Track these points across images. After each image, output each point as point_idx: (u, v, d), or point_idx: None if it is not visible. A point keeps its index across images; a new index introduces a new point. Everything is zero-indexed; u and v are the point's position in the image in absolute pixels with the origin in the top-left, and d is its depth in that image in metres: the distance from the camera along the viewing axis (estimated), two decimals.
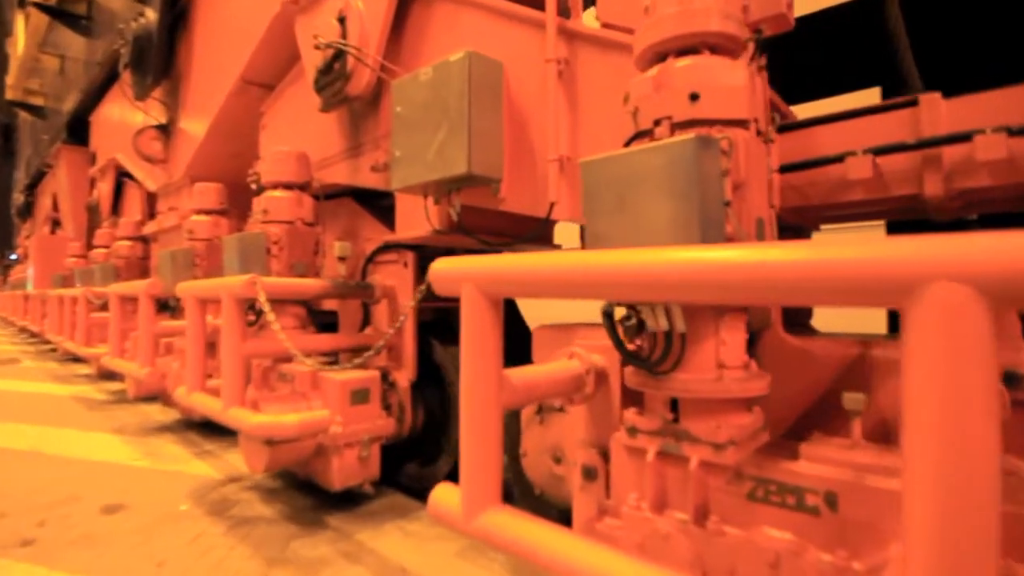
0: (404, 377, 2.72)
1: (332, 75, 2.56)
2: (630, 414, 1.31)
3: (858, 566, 0.99)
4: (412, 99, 2.04)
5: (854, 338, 1.49)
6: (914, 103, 1.31)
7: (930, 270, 0.65)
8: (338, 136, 2.93)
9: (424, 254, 2.73)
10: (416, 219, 2.44)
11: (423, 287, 1.45)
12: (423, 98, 1.99)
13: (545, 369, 1.39)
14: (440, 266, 1.22)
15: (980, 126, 1.18)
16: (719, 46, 1.24)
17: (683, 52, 1.25)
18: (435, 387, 2.83)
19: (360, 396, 2.40)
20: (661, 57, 1.30)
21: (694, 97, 1.17)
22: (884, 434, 1.44)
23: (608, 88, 1.83)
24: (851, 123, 1.39)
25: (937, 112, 1.27)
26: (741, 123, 1.17)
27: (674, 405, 1.26)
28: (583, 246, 1.38)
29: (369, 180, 2.74)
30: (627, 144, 1.32)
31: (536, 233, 2.20)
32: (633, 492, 1.29)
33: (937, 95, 1.29)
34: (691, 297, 0.89)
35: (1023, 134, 1.12)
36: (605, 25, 1.88)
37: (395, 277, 2.80)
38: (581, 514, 1.50)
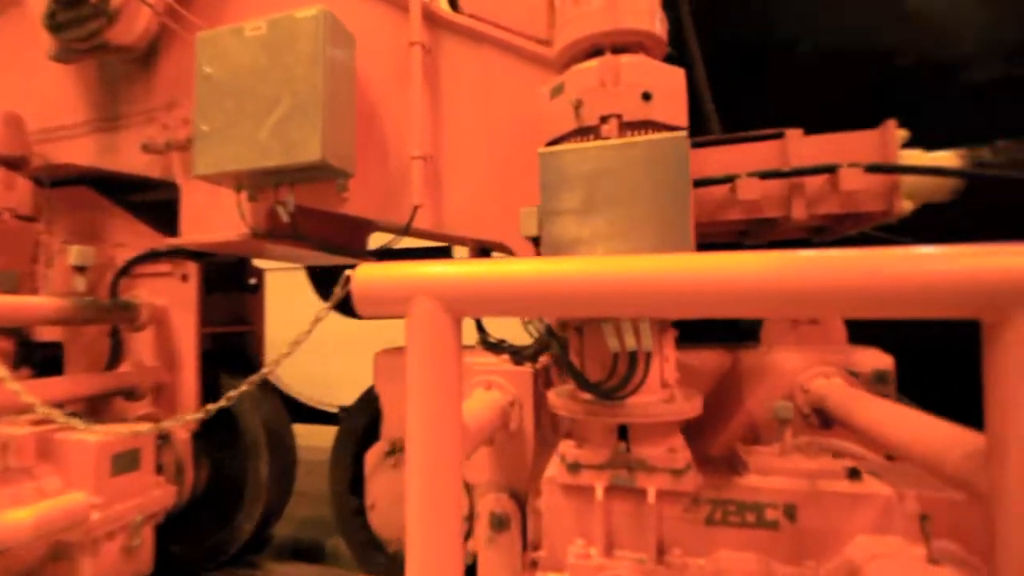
0: (184, 427, 2.00)
1: (82, 9, 1.76)
2: (568, 448, 1.11)
3: (822, 573, 0.96)
4: (232, 60, 1.51)
5: (725, 347, 1.57)
6: (781, 136, 1.46)
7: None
8: (81, 100, 2.06)
9: (211, 266, 2.08)
10: (214, 219, 1.83)
11: (331, 303, 1.01)
12: (251, 60, 1.49)
13: (481, 405, 1.09)
14: (375, 274, 0.84)
15: (832, 161, 1.37)
16: (652, 50, 1.17)
17: (619, 49, 1.14)
18: (224, 431, 2.16)
19: (125, 462, 1.66)
20: (594, 52, 1.16)
21: (647, 96, 1.06)
22: (755, 437, 1.54)
23: (475, 84, 1.64)
24: (731, 148, 1.49)
25: (799, 146, 1.45)
26: (684, 131, 1.10)
27: (621, 433, 1.10)
28: (539, 250, 1.16)
29: (136, 164, 1.98)
30: (560, 141, 1.14)
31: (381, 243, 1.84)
32: (578, 538, 1.08)
33: (799, 131, 1.47)
34: (724, 311, 0.74)
35: (875, 171, 1.33)
36: (470, 16, 1.69)
37: (169, 294, 2.06)
38: (494, 573, 1.22)
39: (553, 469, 1.13)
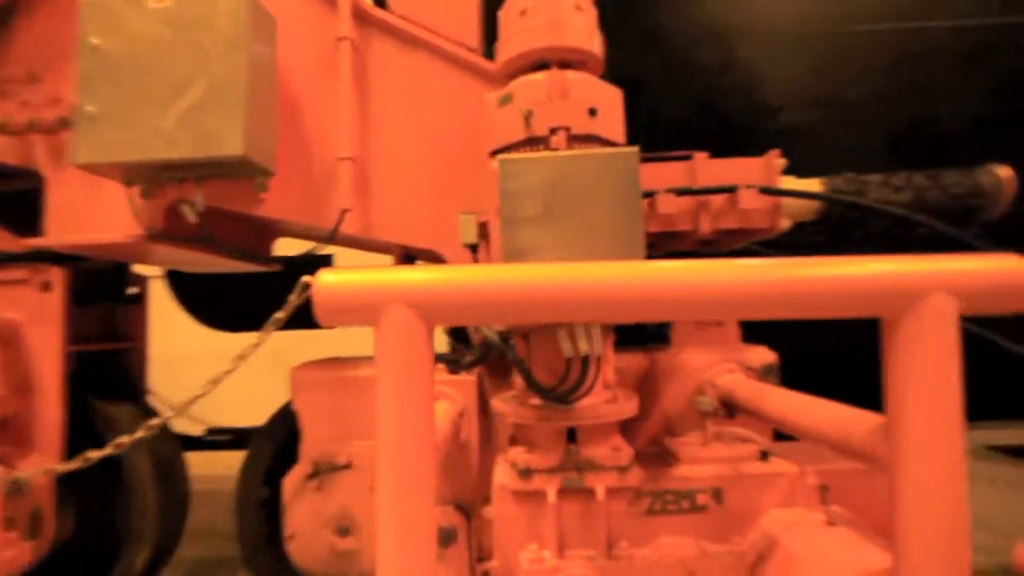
0: (44, 466, 1.69)
1: None
2: (519, 454, 1.13)
3: (745, 546, 1.08)
4: (128, 33, 1.33)
5: (643, 349, 1.69)
6: (689, 158, 1.62)
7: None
8: None
9: (80, 272, 1.78)
10: (92, 216, 1.58)
11: (286, 311, 0.88)
12: (154, 35, 1.32)
13: (438, 417, 1.06)
14: (343, 281, 0.78)
15: (730, 182, 1.55)
16: (593, 69, 1.24)
17: (564, 65, 1.19)
18: (100, 464, 1.84)
19: None
20: (540, 65, 1.21)
21: (593, 112, 1.12)
22: (668, 430, 1.67)
23: (406, 87, 1.61)
24: (646, 167, 1.61)
25: (704, 167, 1.61)
26: (635, 147, 1.18)
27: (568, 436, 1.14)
28: (475, 257, 1.16)
29: None
30: (509, 148, 1.17)
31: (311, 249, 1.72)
32: (531, 543, 1.09)
33: (704, 154, 1.63)
34: (699, 314, 0.81)
35: (766, 192, 1.52)
36: (400, 17, 1.65)
37: (24, 307, 1.73)
38: None
39: (504, 476, 1.14)
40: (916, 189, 1.49)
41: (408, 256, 1.79)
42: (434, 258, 1.65)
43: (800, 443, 1.32)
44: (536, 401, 1.15)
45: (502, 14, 1.29)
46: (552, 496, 1.10)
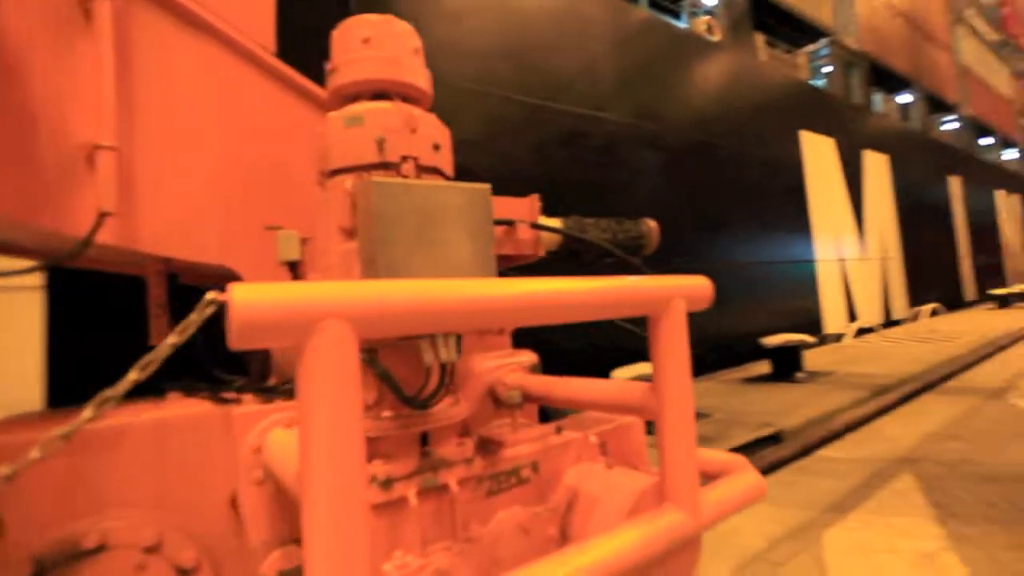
0: None
1: None
2: (377, 467, 1.15)
3: (557, 500, 1.39)
4: None
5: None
6: None
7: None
8: None
9: None
10: None
11: (185, 332, 0.54)
12: None
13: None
14: (269, 296, 0.71)
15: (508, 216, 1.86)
16: (427, 107, 1.38)
17: (407, 99, 1.30)
18: None
19: None
20: (380, 94, 1.27)
21: (437, 147, 1.26)
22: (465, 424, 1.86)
23: (192, 79, 1.38)
24: None
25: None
26: (487, 183, 1.34)
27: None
28: (295, 275, 1.13)
29: None
30: (357, 169, 1.19)
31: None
32: (396, 551, 1.13)
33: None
34: (556, 319, 1.05)
35: (538, 228, 1.89)
36: None
37: None
38: None
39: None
40: (612, 231, 2.14)
41: (171, 274, 1.46)
42: (230, 275, 1.41)
43: (572, 416, 1.73)
44: (389, 413, 1.19)
45: (339, 36, 1.28)
46: (413, 499, 1.15)
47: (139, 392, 1.35)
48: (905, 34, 13.11)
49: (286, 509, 1.16)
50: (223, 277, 1.48)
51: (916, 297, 11.41)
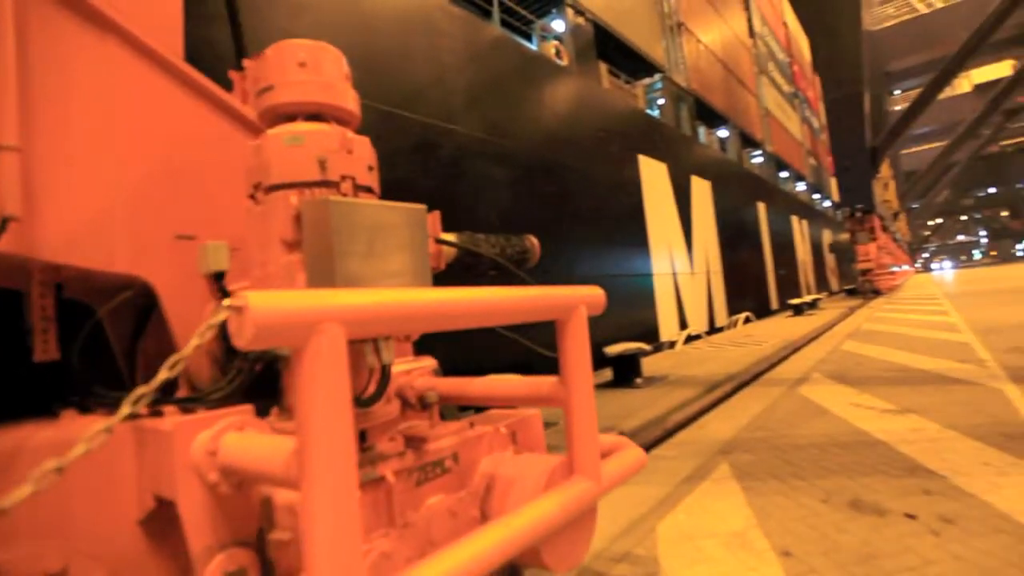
0: None
1: None
2: None
3: (476, 486, 1.63)
4: None
5: None
6: None
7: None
8: None
9: None
10: None
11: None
12: None
13: (266, 446, 1.10)
14: (280, 301, 0.86)
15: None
16: (356, 129, 1.54)
17: (339, 121, 1.46)
18: None
19: None
20: (315, 115, 1.42)
21: (370, 168, 1.45)
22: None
23: (96, 81, 1.37)
24: None
25: None
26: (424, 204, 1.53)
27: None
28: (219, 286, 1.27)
29: None
30: (298, 186, 1.33)
31: None
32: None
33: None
34: (493, 322, 1.30)
35: (439, 242, 2.08)
36: None
37: None
38: None
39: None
40: (501, 246, 2.45)
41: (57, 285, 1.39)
42: (128, 286, 1.39)
43: (482, 413, 1.97)
44: None
45: (274, 56, 1.38)
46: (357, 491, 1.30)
47: (24, 414, 1.31)
48: (723, 78, 15.75)
49: (231, 512, 1.22)
50: (123, 288, 1.46)
51: (733, 307, 13.66)
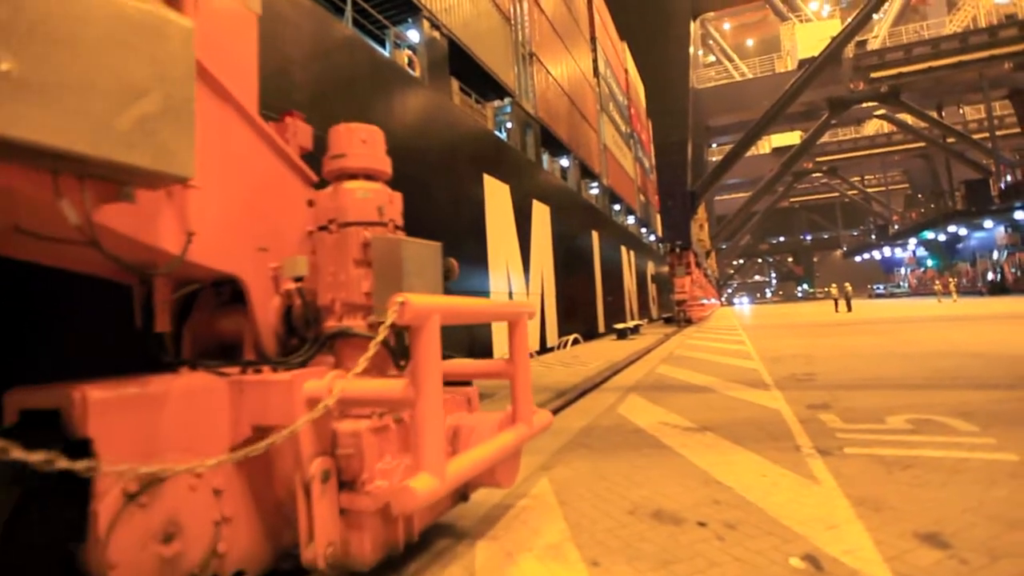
0: None
1: None
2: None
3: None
4: (75, 8, 1.40)
5: None
6: None
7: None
8: None
9: None
10: None
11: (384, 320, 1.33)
12: (105, 27, 1.47)
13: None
14: (418, 301, 1.86)
15: None
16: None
17: (384, 180, 2.42)
18: None
19: None
20: (369, 175, 2.37)
21: (402, 214, 2.44)
22: None
23: (219, 136, 2.14)
24: None
25: None
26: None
27: None
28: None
29: None
30: (366, 225, 2.27)
31: None
32: (386, 456, 2.22)
33: None
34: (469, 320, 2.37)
35: None
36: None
37: None
38: (328, 512, 2.06)
39: (359, 424, 2.15)
40: None
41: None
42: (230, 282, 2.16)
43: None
44: (394, 372, 2.25)
45: (344, 132, 2.30)
46: (393, 424, 2.25)
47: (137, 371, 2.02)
48: (568, 110, 18.13)
49: (319, 434, 2.07)
50: (212, 281, 2.20)
51: (564, 328, 15.65)
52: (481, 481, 2.59)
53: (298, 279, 2.22)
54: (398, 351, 2.33)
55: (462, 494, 2.70)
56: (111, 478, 1.71)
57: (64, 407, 1.70)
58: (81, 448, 1.69)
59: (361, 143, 2.43)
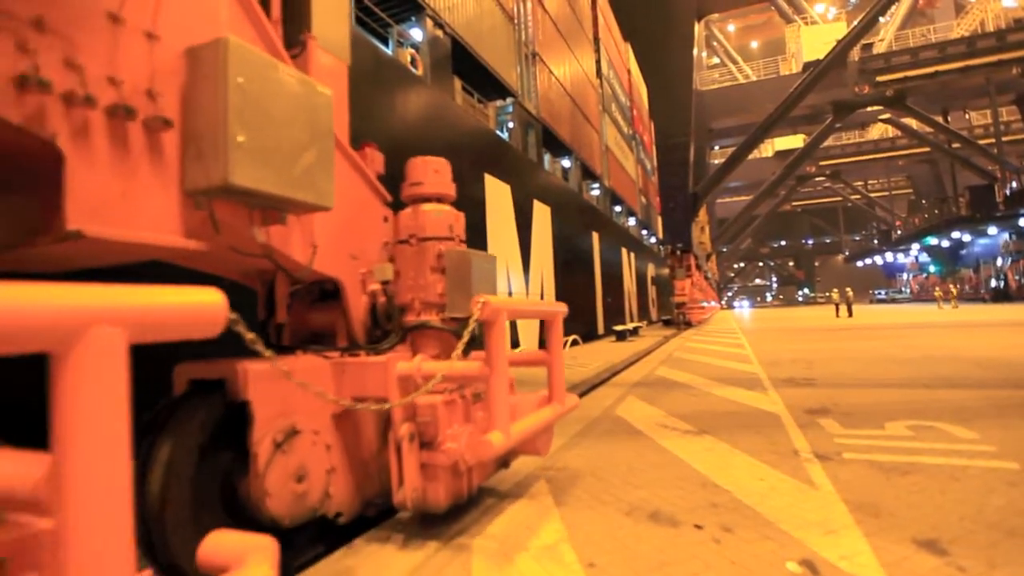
0: None
1: None
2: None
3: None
4: (266, 86, 2.03)
5: None
6: None
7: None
8: None
9: None
10: (127, 212, 1.83)
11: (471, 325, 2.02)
12: (285, 101, 2.11)
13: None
14: (493, 300, 2.53)
15: None
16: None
17: (451, 203, 3.09)
18: None
19: None
20: (440, 199, 3.04)
21: (465, 232, 3.11)
22: None
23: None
24: None
25: None
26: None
27: None
28: (385, 289, 2.88)
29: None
30: (441, 239, 2.94)
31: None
32: (454, 423, 2.88)
33: None
34: None
35: None
36: None
37: None
38: (413, 465, 2.72)
39: (435, 397, 2.81)
40: None
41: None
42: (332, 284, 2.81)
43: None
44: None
45: (420, 164, 2.95)
46: (460, 401, 2.91)
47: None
48: (570, 111, 18.70)
49: (406, 405, 2.73)
50: (311, 282, 2.86)
51: (563, 329, 16.39)
52: (524, 449, 3.25)
53: (385, 282, 2.88)
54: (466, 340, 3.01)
55: (504, 461, 3.36)
56: (264, 429, 2.36)
57: (229, 377, 2.35)
58: (239, 409, 2.35)
59: (434, 172, 3.11)
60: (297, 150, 2.14)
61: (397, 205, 3.15)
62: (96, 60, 1.73)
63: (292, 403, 2.49)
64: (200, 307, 1.12)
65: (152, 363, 2.48)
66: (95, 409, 0.90)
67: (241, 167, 1.91)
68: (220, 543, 1.38)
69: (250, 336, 1.69)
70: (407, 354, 2.88)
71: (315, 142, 2.24)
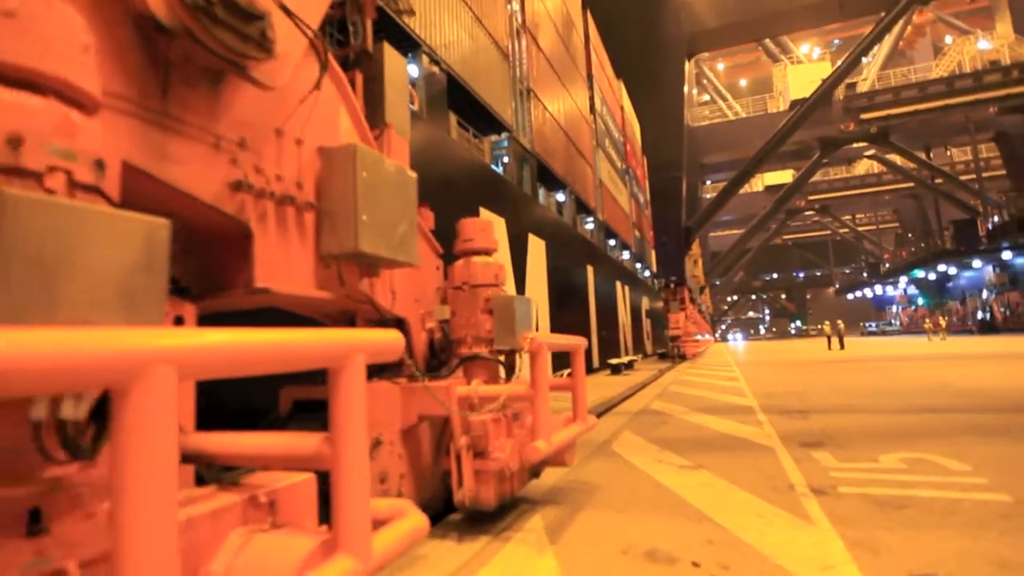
0: None
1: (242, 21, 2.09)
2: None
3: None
4: (378, 177, 2.77)
5: None
6: None
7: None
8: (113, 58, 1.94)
9: None
10: (288, 273, 2.54)
11: (513, 357, 2.75)
12: (389, 187, 2.86)
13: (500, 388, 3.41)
14: (534, 335, 3.26)
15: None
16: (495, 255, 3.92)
17: (494, 255, 3.84)
18: None
19: None
20: (484, 252, 3.78)
21: (496, 276, 3.85)
22: None
23: None
24: None
25: None
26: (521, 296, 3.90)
27: None
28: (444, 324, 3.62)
29: (198, 184, 2.22)
30: (486, 286, 3.68)
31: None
32: (500, 438, 3.57)
33: None
34: None
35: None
36: None
37: None
38: (470, 470, 3.40)
39: (484, 415, 3.50)
40: None
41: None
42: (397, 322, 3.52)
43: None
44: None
45: (471, 224, 3.71)
46: (503, 418, 3.60)
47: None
48: (564, 146, 19.40)
49: (462, 421, 3.41)
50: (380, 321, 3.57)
51: (557, 364, 16.77)
52: (554, 460, 3.93)
53: (444, 321, 3.60)
54: (507, 368, 3.72)
55: (535, 472, 4.03)
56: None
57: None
58: None
59: (481, 231, 3.87)
60: (395, 221, 2.88)
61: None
62: (270, 163, 2.46)
63: (375, 419, 3.18)
64: (392, 341, 1.80)
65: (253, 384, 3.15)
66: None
67: (365, 238, 2.64)
68: (376, 505, 1.99)
69: (409, 361, 2.38)
70: (462, 380, 3.58)
71: (406, 213, 2.98)
